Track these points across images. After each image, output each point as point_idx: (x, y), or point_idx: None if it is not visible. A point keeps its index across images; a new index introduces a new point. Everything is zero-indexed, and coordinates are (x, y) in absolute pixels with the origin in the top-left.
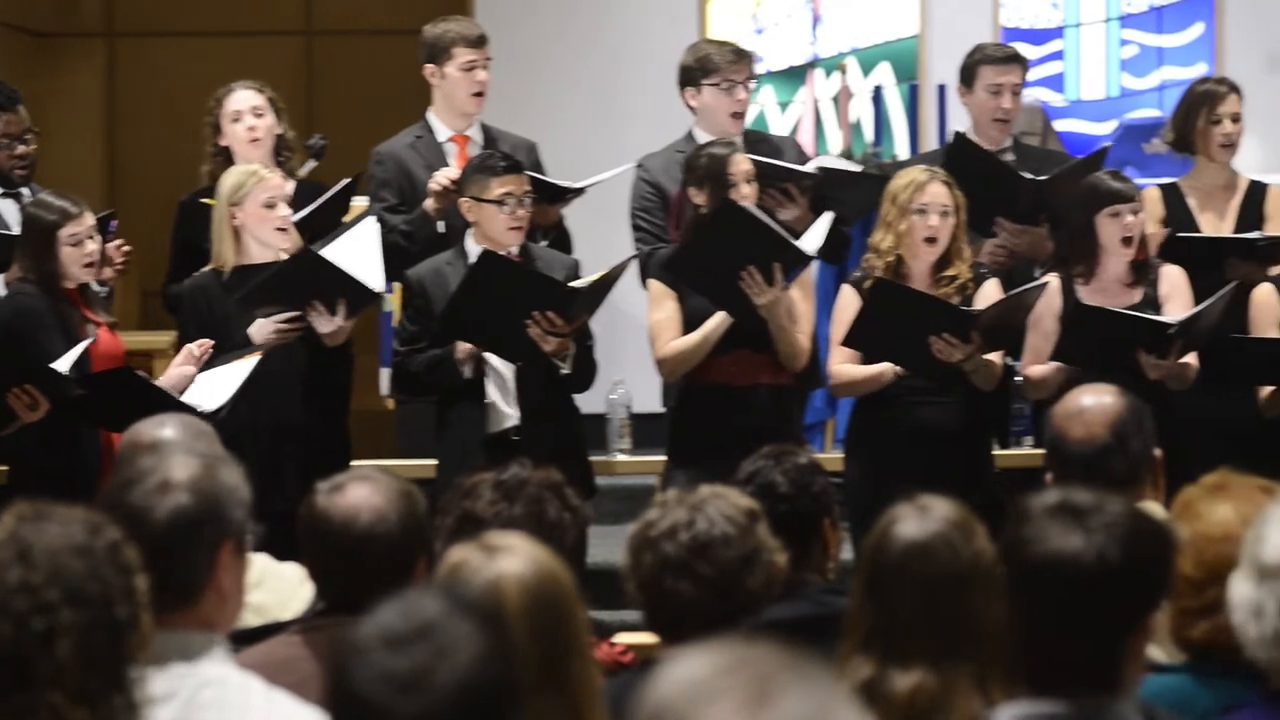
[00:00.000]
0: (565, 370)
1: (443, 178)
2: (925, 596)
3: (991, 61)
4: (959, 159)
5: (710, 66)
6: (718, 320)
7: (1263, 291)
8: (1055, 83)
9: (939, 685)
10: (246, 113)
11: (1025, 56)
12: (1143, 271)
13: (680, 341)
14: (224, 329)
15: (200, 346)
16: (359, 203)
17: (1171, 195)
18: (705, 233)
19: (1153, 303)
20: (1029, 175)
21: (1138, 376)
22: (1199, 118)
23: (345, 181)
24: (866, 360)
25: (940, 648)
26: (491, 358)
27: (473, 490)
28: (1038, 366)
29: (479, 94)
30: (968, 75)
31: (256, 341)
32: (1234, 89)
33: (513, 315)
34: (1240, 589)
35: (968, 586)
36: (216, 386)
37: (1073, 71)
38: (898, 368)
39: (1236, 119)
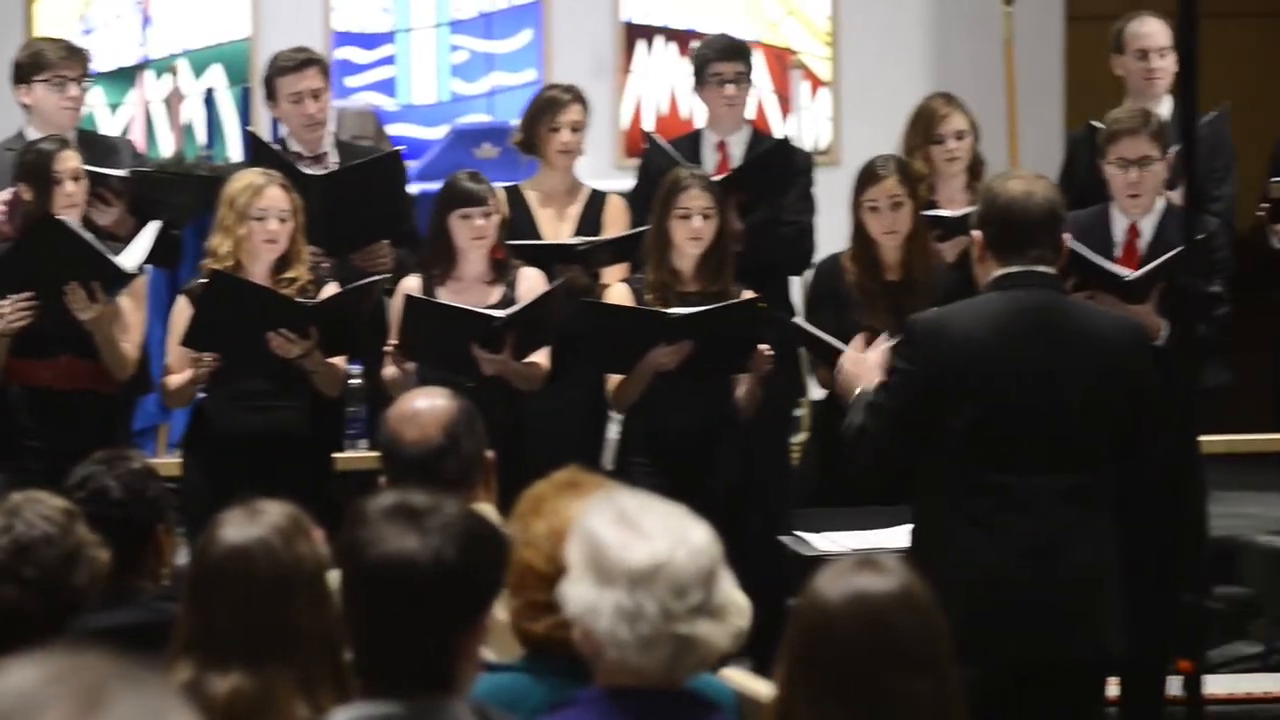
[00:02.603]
0: None
1: None
2: (242, 600)
3: (285, 71)
4: (259, 161)
5: (42, 63)
6: None
7: (617, 290)
8: (387, 87)
9: (257, 689)
10: None
11: (320, 55)
12: (502, 271)
13: None
14: None
15: None
16: None
17: (514, 197)
18: (26, 245)
19: (511, 302)
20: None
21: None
22: (542, 124)
23: None
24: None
25: (258, 651)
26: None
27: None
28: (390, 369)
29: None
30: (269, 89)
31: None
32: (579, 98)
33: None
34: (604, 596)
35: (288, 590)
36: None
37: (404, 76)
38: (209, 364)
39: (577, 128)
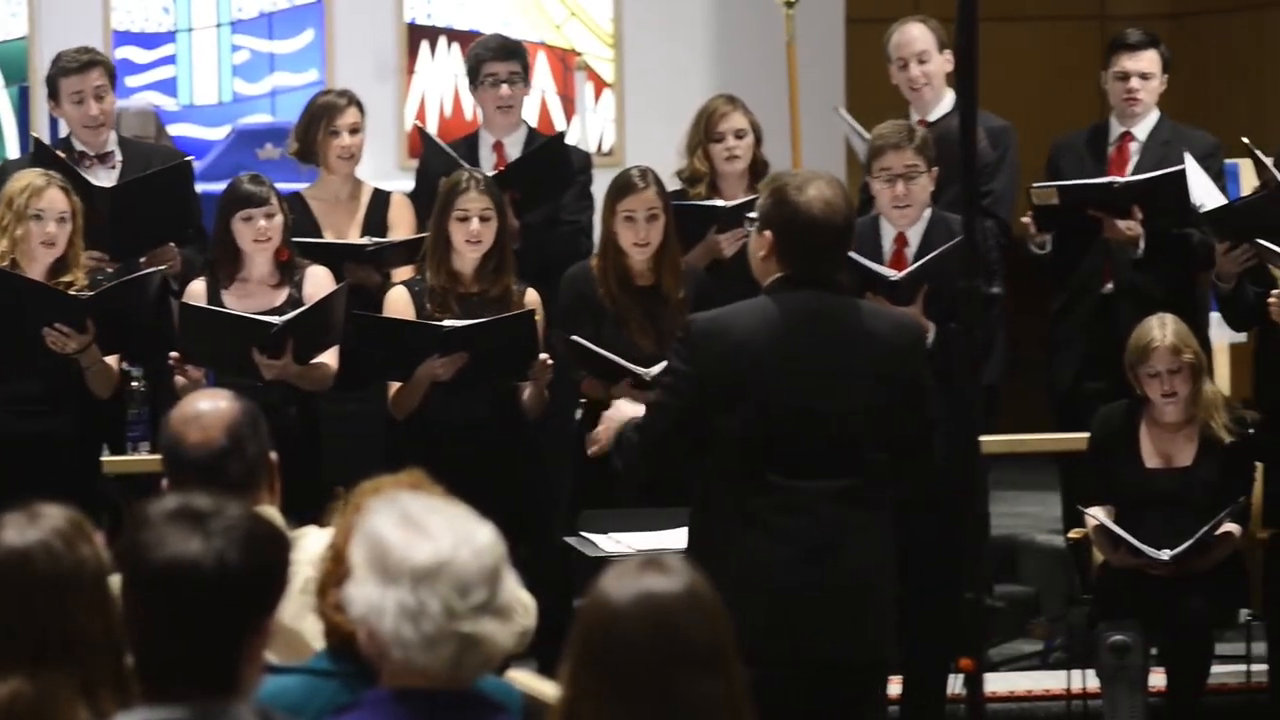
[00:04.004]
0: None
1: None
2: (22, 604)
3: (68, 72)
4: (41, 164)
5: None
6: None
7: (395, 294)
8: (168, 87)
9: (37, 693)
10: None
11: (104, 56)
12: (288, 272)
13: None
14: None
15: None
16: None
17: (297, 205)
18: None
19: (298, 303)
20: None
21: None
22: (319, 130)
23: None
24: None
25: (39, 656)
26: None
27: None
28: (179, 378)
29: None
30: (52, 89)
31: None
32: (354, 102)
33: None
34: (388, 595)
35: (69, 594)
36: None
37: (185, 76)
38: None
39: (355, 131)
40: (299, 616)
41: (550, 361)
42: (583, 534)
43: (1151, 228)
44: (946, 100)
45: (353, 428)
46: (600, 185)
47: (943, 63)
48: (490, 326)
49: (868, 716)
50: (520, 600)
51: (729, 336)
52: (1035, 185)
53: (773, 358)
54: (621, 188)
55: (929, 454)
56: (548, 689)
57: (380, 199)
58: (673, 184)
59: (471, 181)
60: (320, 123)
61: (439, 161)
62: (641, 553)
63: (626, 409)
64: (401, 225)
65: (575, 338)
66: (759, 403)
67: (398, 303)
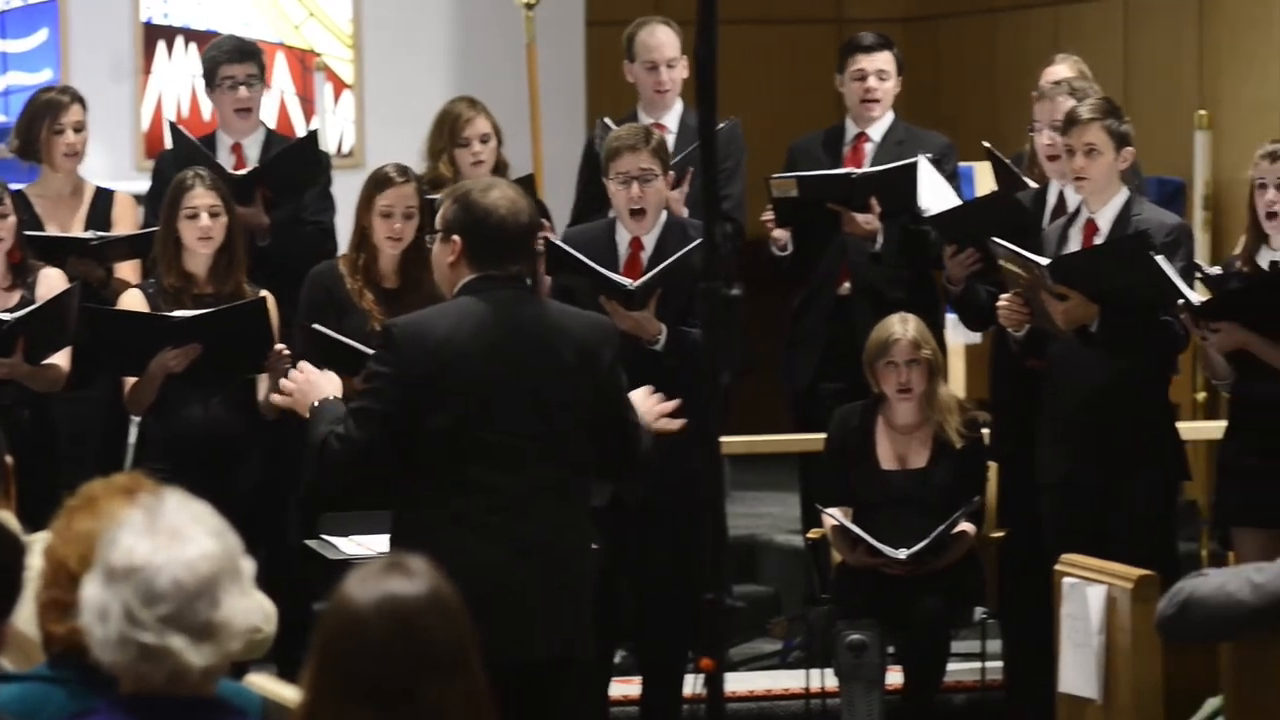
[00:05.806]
0: None
1: None
2: None
3: None
4: None
5: None
6: None
7: (129, 296)
8: None
9: None
10: None
11: None
12: (21, 273)
13: None
14: None
15: None
16: None
17: (19, 203)
18: None
19: (31, 304)
20: None
21: None
22: (42, 127)
23: None
24: None
25: None
26: None
27: None
28: None
29: None
30: None
31: None
32: (77, 99)
33: None
34: (90, 590)
35: None
36: None
37: None
38: None
39: (79, 128)
40: (34, 622)
41: (287, 351)
42: (323, 536)
43: (889, 222)
44: (679, 104)
45: (88, 428)
46: (340, 186)
47: (682, 67)
48: (222, 316)
49: (568, 713)
50: (234, 623)
51: (431, 337)
52: (774, 176)
53: (476, 356)
54: (380, 182)
55: (635, 450)
56: (288, 693)
57: (104, 197)
58: None
59: (197, 179)
60: (44, 120)
61: (186, 155)
62: (383, 555)
63: (315, 378)
64: (124, 223)
65: (316, 326)
66: (463, 401)
67: (132, 304)
